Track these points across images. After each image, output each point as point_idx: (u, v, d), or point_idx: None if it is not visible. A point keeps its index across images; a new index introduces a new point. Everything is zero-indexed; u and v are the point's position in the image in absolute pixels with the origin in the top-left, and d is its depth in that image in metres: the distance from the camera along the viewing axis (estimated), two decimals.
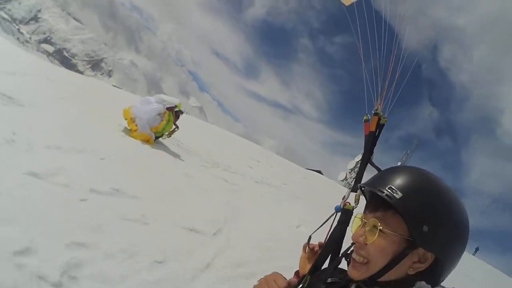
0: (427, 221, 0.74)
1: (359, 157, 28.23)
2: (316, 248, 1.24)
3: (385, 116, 1.56)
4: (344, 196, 1.39)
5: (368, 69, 1.84)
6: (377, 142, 1.49)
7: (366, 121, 1.57)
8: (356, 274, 0.82)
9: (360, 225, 0.85)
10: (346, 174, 28.03)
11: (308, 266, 1.20)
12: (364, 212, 0.88)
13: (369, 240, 0.78)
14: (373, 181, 0.85)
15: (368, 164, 1.50)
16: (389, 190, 0.77)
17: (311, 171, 21.03)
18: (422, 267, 0.77)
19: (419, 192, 0.77)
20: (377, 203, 0.82)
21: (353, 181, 1.40)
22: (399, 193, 0.76)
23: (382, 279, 0.79)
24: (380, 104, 1.60)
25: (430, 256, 0.76)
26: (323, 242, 1.26)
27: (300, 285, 1.05)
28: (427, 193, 0.77)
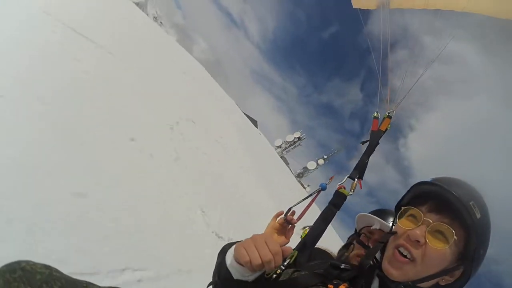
0: (485, 245, 0.78)
1: (297, 134, 28.93)
2: (294, 221, 1.20)
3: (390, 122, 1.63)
4: (332, 177, 1.45)
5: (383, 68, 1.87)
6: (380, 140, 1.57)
7: (376, 118, 1.62)
8: (398, 274, 0.77)
9: (415, 222, 0.79)
10: (282, 143, 29.21)
11: (276, 237, 1.18)
12: (417, 207, 0.83)
13: (434, 244, 0.75)
14: (454, 188, 0.77)
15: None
16: (472, 207, 0.75)
17: (248, 118, 19.86)
18: (451, 280, 0.80)
19: (487, 217, 0.78)
20: (443, 207, 0.78)
21: (354, 169, 1.41)
22: (479, 213, 0.75)
23: (420, 285, 0.78)
24: (395, 108, 1.65)
25: (460, 272, 0.79)
26: (295, 218, 1.22)
27: (287, 260, 0.99)
28: (489, 219, 0.79)
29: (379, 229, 1.48)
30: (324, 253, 1.52)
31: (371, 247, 1.23)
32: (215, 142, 7.43)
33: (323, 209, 1.28)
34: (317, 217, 1.24)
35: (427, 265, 0.75)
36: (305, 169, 29.28)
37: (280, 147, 28.68)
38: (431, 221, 0.77)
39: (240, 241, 0.83)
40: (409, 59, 1.88)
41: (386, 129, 1.56)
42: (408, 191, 0.89)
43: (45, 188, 2.07)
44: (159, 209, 3.09)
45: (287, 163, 24.87)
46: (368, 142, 1.51)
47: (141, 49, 8.23)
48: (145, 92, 5.78)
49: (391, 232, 0.84)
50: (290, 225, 1.20)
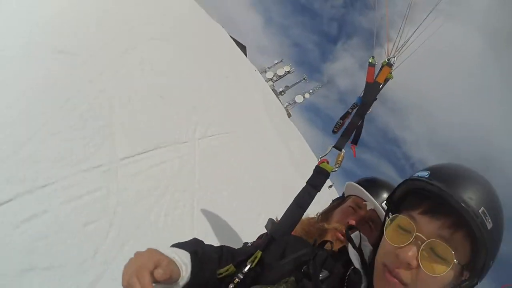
0: (495, 256, 0.64)
1: (287, 68, 27.84)
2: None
3: (392, 72, 1.40)
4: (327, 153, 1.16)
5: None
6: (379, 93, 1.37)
7: (372, 65, 1.38)
8: None
9: (405, 236, 0.62)
10: (274, 75, 28.27)
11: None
12: (410, 211, 0.65)
13: (429, 270, 0.59)
14: (460, 190, 0.60)
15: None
16: (482, 215, 0.59)
17: (236, 43, 18.16)
18: None
19: (501, 221, 0.63)
20: (444, 210, 0.61)
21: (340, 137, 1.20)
22: (491, 222, 0.60)
23: None
24: (395, 53, 1.41)
25: (465, 285, 0.65)
26: None
27: (248, 265, 0.81)
28: (502, 221, 0.64)
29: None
30: (299, 243, 1.20)
31: (354, 225, 1.09)
32: None
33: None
34: (292, 201, 1.04)
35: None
36: (293, 102, 28.93)
37: (272, 80, 27.84)
38: (424, 238, 0.60)
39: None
40: None
41: (386, 81, 1.35)
42: (401, 183, 0.71)
43: None
44: None
45: (277, 95, 24.79)
46: (362, 97, 1.31)
47: None
48: None
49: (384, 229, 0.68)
50: None
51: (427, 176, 0.65)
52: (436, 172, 0.65)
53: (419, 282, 0.60)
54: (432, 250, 0.60)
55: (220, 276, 0.79)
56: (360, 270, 0.70)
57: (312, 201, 1.04)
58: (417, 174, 0.68)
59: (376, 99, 1.31)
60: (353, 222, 1.24)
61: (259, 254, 0.82)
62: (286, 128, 12.54)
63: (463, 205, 0.58)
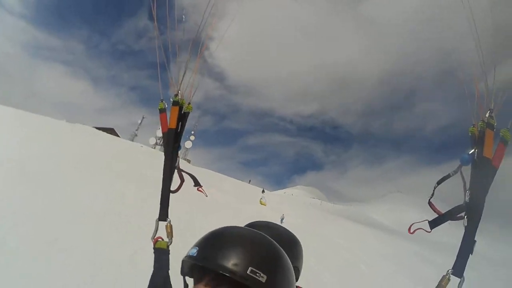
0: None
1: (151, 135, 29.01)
2: None
3: (190, 102, 1.19)
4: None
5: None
6: (182, 137, 1.13)
7: (162, 111, 1.15)
8: None
9: None
10: (156, 140, 27.57)
11: None
12: (196, 285, 0.68)
13: None
14: (218, 259, 0.64)
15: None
16: (252, 274, 0.62)
17: (104, 130, 17.94)
18: None
19: (279, 268, 0.66)
20: (224, 282, 0.64)
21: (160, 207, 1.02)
22: (264, 275, 0.63)
23: None
24: (179, 87, 1.20)
25: None
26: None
27: None
28: (282, 268, 0.67)
29: None
30: None
31: None
32: None
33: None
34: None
35: None
36: (185, 149, 30.38)
37: (157, 144, 27.03)
38: None
39: None
40: None
41: (183, 118, 1.12)
42: (182, 262, 0.74)
43: None
44: None
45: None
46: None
47: None
48: None
49: None
50: None
51: (195, 255, 0.67)
52: (202, 247, 0.68)
53: None
54: None
55: None
56: None
57: (167, 281, 0.94)
58: (189, 252, 0.69)
59: (179, 145, 1.07)
60: None
61: None
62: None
63: (230, 275, 0.62)
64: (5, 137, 8.04)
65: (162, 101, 1.17)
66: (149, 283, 0.94)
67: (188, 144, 30.83)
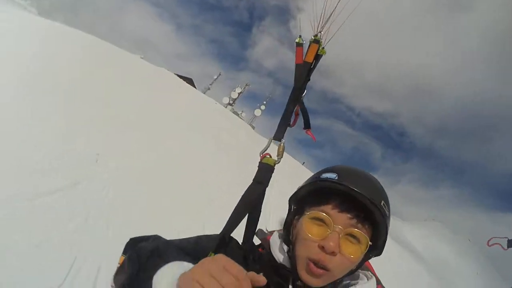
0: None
1: (239, 90, 29.49)
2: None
3: (324, 47, 1.24)
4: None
5: None
6: (311, 76, 1.19)
7: (299, 45, 1.22)
8: (317, 282, 0.74)
9: (324, 228, 0.74)
10: (229, 100, 28.66)
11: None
12: (322, 207, 0.76)
13: (349, 253, 0.72)
14: (365, 189, 0.74)
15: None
16: (383, 207, 0.75)
17: (182, 78, 18.76)
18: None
19: (389, 209, 0.79)
20: (351, 204, 0.74)
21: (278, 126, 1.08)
22: (388, 209, 0.77)
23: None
24: (321, 29, 1.25)
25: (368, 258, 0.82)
26: None
27: None
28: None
29: None
30: (236, 250, 0.89)
31: None
32: None
33: None
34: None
35: (343, 270, 0.75)
36: (254, 116, 30.74)
37: (230, 104, 28.22)
38: (341, 227, 0.73)
39: (175, 260, 0.62)
40: None
41: (319, 57, 1.17)
42: (307, 184, 0.83)
43: None
44: None
45: (238, 115, 25.66)
46: (294, 81, 1.12)
47: None
48: None
49: (296, 218, 0.83)
50: None
51: (336, 178, 0.76)
52: (343, 174, 0.77)
53: (341, 265, 0.72)
54: (350, 237, 0.73)
55: None
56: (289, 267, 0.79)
57: (261, 198, 0.97)
58: (324, 176, 0.79)
59: (309, 79, 1.12)
60: None
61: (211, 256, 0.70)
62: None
63: (372, 201, 0.73)
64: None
65: (300, 37, 1.25)
66: (244, 194, 0.94)
67: (257, 112, 31.54)
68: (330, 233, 0.72)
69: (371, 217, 0.74)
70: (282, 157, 1.04)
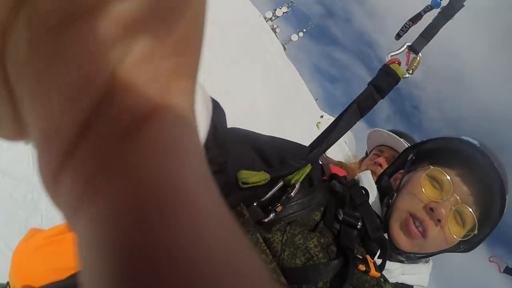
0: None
1: (285, 9, 27.17)
2: None
3: None
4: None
5: None
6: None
7: None
8: (407, 245, 0.64)
9: (439, 191, 0.63)
10: (272, 14, 26.83)
11: None
12: (446, 169, 0.64)
13: (452, 230, 0.62)
14: (504, 175, 0.63)
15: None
16: (507, 204, 0.65)
17: None
18: None
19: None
20: (478, 182, 0.64)
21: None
22: (505, 210, 0.65)
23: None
24: None
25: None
26: None
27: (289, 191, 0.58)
28: None
29: (393, 149, 1.29)
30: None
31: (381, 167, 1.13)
32: None
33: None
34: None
35: (437, 245, 0.65)
36: (289, 40, 29.99)
37: (271, 19, 26.41)
38: (459, 198, 0.62)
39: None
40: None
41: None
42: (438, 138, 0.73)
43: None
44: None
45: (275, 32, 24.82)
46: None
47: None
48: None
49: (409, 170, 0.70)
50: None
51: (478, 145, 0.66)
52: (485, 145, 0.67)
53: (437, 239, 0.63)
54: (460, 214, 0.63)
55: (246, 185, 0.54)
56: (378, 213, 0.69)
57: (371, 109, 0.71)
58: (466, 138, 0.69)
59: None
60: (381, 161, 1.26)
61: (308, 169, 0.60)
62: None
63: (503, 191, 0.62)
64: None
65: None
66: (359, 98, 0.68)
67: (294, 37, 30.45)
68: (443, 200, 0.62)
69: (486, 206, 0.64)
70: (413, 73, 0.74)
